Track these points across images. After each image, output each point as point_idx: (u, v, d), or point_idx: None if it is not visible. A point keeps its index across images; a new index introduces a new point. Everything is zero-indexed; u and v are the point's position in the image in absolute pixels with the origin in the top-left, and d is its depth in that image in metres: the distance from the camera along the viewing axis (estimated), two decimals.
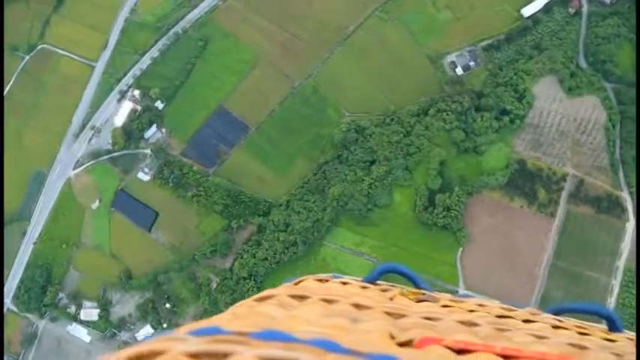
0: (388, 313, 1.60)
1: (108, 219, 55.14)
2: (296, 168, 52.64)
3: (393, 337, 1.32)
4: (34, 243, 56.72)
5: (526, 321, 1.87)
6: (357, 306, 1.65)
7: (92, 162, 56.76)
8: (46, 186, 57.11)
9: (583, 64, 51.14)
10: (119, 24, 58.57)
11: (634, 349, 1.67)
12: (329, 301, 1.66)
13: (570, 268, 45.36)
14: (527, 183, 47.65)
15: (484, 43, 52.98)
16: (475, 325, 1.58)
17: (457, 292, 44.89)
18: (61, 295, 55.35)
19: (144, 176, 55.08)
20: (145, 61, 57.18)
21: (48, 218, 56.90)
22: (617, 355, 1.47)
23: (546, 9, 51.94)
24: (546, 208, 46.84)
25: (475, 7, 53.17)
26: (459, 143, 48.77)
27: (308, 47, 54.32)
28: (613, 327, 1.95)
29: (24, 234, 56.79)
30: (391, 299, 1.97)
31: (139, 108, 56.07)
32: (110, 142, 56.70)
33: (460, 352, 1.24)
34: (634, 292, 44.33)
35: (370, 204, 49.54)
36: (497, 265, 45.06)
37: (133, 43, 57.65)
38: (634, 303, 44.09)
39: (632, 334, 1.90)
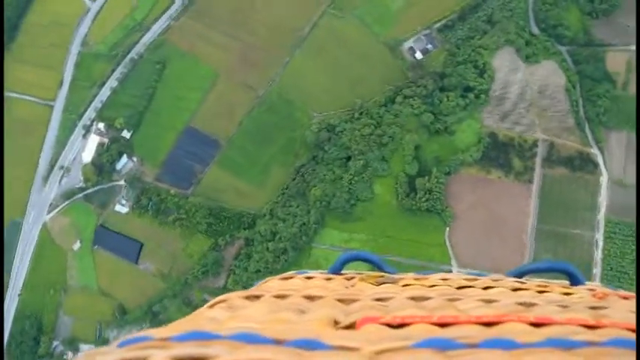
0: (340, 300, 1.64)
1: (92, 257, 55.29)
2: (273, 176, 53.79)
3: (337, 323, 1.36)
4: (19, 294, 56.42)
5: (486, 288, 1.94)
6: (310, 297, 1.69)
7: (66, 203, 56.84)
8: (22, 234, 56.91)
9: (536, 31, 53.60)
10: (72, 59, 58.81)
11: (588, 298, 1.80)
12: (281, 297, 1.69)
13: (555, 229, 47.70)
14: (501, 154, 49.83)
15: (439, 25, 55.10)
16: (426, 299, 1.64)
17: (450, 270, 46.72)
18: (55, 342, 55.18)
19: (122, 208, 55.45)
20: (105, 93, 57.59)
21: (30, 267, 56.70)
22: (564, 306, 1.55)
23: None
24: (523, 176, 49.10)
25: None
26: (429, 126, 50.64)
27: (266, 55, 55.61)
28: (574, 280, 2.06)
29: (7, 286, 56.50)
30: (352, 286, 2.02)
31: (106, 140, 56.43)
32: (82, 179, 56.89)
33: (400, 326, 1.28)
34: (617, 242, 47.02)
35: (353, 199, 50.97)
36: (485, 238, 47.06)
37: (90, 76, 58.00)
38: (619, 252, 46.78)
39: (593, 284, 2.01)
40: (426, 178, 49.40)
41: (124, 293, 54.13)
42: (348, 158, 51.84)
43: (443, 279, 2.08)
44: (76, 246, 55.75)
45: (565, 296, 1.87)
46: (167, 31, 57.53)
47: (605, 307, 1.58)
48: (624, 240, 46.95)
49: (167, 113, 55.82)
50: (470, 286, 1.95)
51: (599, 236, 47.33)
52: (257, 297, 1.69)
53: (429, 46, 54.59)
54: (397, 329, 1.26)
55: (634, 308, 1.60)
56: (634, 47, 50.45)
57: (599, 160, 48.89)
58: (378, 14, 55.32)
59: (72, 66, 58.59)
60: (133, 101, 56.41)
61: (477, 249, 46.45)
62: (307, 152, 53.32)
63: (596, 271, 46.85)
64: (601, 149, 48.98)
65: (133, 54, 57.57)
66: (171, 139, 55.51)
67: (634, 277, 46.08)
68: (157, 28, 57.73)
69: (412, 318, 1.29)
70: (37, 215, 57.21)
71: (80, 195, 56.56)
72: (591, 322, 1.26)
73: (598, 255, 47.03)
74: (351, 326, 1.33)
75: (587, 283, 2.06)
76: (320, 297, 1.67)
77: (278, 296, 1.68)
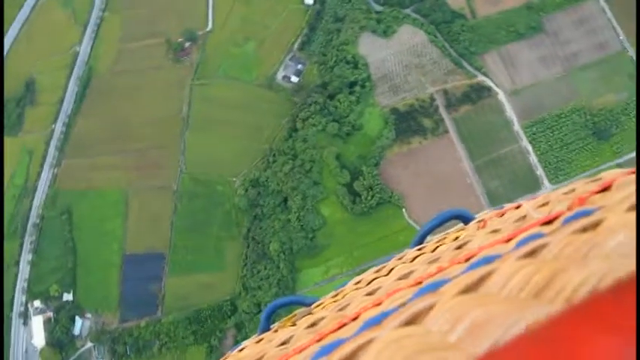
0: None
1: None
2: (228, 254, 55.91)
3: None
4: None
5: (389, 271, 2.19)
6: None
7: None
8: None
9: (379, 8, 60.98)
10: None
11: (470, 232, 2.06)
12: None
13: (488, 158, 53.46)
14: (410, 123, 55.44)
15: (297, 45, 61.22)
16: (320, 319, 1.85)
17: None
18: None
19: None
20: (25, 270, 57.47)
21: None
22: (434, 260, 1.85)
23: None
24: (437, 130, 54.88)
25: (267, 24, 61.42)
26: (338, 133, 55.45)
27: (161, 151, 58.52)
28: (466, 220, 2.34)
29: None
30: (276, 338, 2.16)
31: (50, 314, 56.11)
32: None
33: None
34: (542, 139, 53.91)
35: (309, 233, 54.13)
36: (438, 199, 51.71)
37: None
38: (547, 147, 53.71)
39: (483, 214, 2.27)
40: (361, 178, 53.87)
41: None
42: (285, 200, 55.33)
43: (355, 283, 2.31)
44: None
45: (454, 241, 2.15)
46: (56, 181, 59.02)
47: (470, 240, 1.88)
48: (545, 134, 53.94)
49: (97, 255, 56.71)
50: (377, 277, 2.22)
51: (525, 143, 54.00)
52: None
53: (300, 67, 60.23)
54: None
55: (500, 225, 1.89)
56: None
57: (489, 82, 56.04)
58: (239, 64, 60.43)
59: None
60: (58, 262, 56.83)
61: (437, 212, 50.96)
62: (246, 216, 56.24)
63: (540, 172, 53.19)
64: (485, 74, 56.18)
65: (33, 219, 58.25)
66: (115, 276, 56.33)
67: (571, 160, 52.97)
68: (43, 182, 58.96)
69: (286, 356, 1.55)
70: None
71: None
72: (433, 272, 1.57)
73: (534, 159, 53.53)
74: None
75: (476, 216, 2.35)
76: None
77: None
